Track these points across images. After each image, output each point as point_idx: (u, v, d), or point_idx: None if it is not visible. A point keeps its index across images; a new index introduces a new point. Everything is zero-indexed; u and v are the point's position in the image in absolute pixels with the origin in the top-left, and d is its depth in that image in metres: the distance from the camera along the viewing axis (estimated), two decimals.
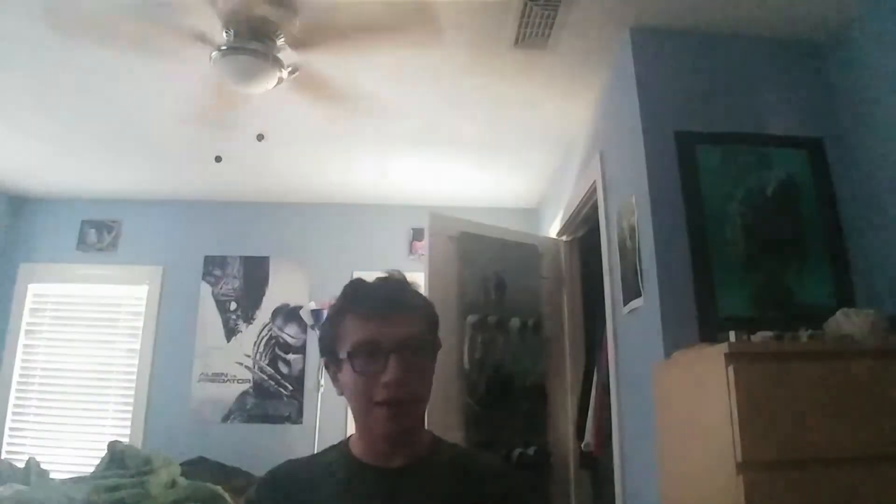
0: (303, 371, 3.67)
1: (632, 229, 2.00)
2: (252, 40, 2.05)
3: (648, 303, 1.87)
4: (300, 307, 3.65)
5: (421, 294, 0.96)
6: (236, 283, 3.81)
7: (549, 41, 2.16)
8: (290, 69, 2.21)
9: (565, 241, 3.18)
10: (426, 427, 0.96)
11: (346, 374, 0.87)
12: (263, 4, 1.99)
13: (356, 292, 0.90)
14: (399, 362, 0.83)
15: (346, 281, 0.96)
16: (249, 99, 2.40)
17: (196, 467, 3.09)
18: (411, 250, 3.86)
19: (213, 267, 3.83)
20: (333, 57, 2.23)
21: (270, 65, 2.10)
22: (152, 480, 2.62)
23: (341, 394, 0.89)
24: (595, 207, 2.49)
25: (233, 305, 3.77)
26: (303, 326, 3.70)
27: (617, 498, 2.07)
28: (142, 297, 3.78)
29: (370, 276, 0.95)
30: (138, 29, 2.12)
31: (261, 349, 3.71)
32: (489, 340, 2.72)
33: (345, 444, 0.94)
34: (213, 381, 3.63)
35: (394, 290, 0.91)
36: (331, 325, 0.91)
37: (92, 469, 2.89)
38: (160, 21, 2.05)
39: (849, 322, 1.41)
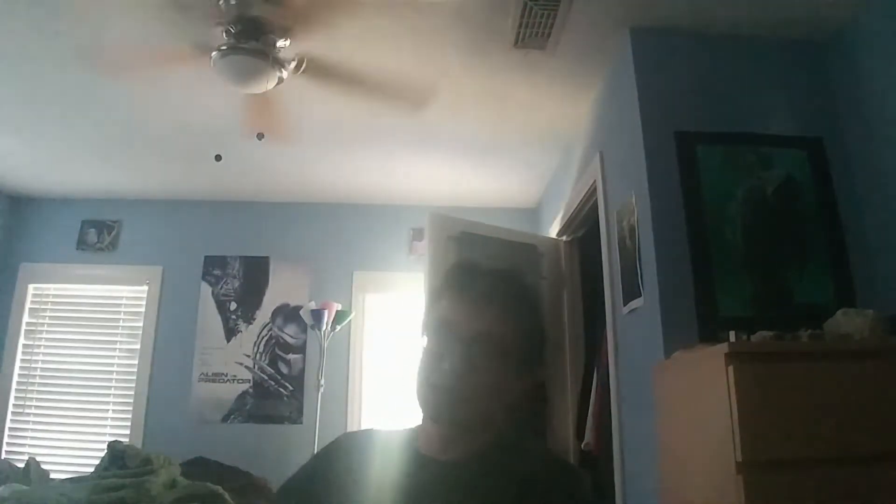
0: (303, 371, 3.67)
1: (631, 229, 2.00)
2: (251, 40, 2.05)
3: (648, 303, 1.87)
4: (300, 307, 3.65)
5: (529, 299, 0.90)
6: (236, 283, 3.81)
7: (548, 42, 2.16)
8: (295, 62, 2.20)
9: (565, 241, 3.18)
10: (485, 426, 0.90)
11: (421, 347, 0.88)
12: (261, 4, 1.99)
13: (461, 272, 0.90)
14: (465, 354, 0.81)
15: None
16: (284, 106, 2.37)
17: (196, 467, 3.09)
18: (411, 250, 3.87)
19: (213, 267, 3.83)
20: (336, 47, 2.20)
21: (270, 64, 2.10)
22: (152, 480, 2.62)
23: (417, 367, 0.88)
24: (595, 207, 2.49)
25: (233, 305, 3.77)
26: (303, 326, 3.70)
27: (617, 498, 2.07)
28: (142, 297, 3.78)
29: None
30: (140, 39, 2.12)
31: (261, 349, 3.71)
32: None
33: (417, 429, 0.93)
34: (213, 381, 3.63)
35: (500, 282, 0.88)
36: (430, 299, 0.92)
37: (92, 469, 2.89)
38: (159, 28, 2.06)
39: (849, 322, 1.41)
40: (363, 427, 0.96)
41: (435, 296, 0.90)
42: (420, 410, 0.87)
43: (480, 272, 0.89)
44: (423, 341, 0.87)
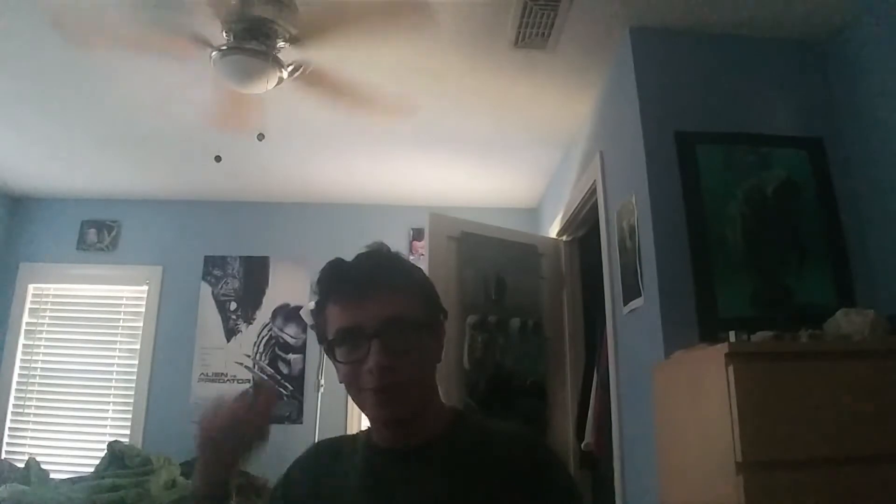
0: (303, 371, 3.67)
1: (632, 229, 2.00)
2: (251, 40, 2.05)
3: (648, 303, 1.87)
4: (300, 307, 3.65)
5: (411, 266, 0.88)
6: (236, 283, 3.81)
7: (548, 41, 2.16)
8: (292, 66, 2.20)
9: (565, 241, 3.18)
10: (443, 403, 0.88)
11: (336, 362, 0.83)
12: (262, 4, 1.99)
13: (333, 274, 0.84)
14: (383, 347, 0.77)
15: None
16: (259, 105, 2.37)
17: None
18: (411, 250, 3.86)
19: (213, 267, 3.83)
20: (335, 54, 2.22)
21: (270, 65, 2.09)
22: (152, 480, 2.62)
23: (342, 381, 0.83)
24: (595, 207, 2.49)
25: (233, 305, 3.77)
26: (303, 326, 3.70)
27: (617, 498, 2.07)
28: (142, 296, 3.78)
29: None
30: (138, 29, 2.12)
31: (261, 349, 3.71)
32: (489, 340, 2.72)
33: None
34: (213, 381, 3.63)
35: (375, 266, 0.84)
36: (317, 313, 0.86)
37: (92, 469, 2.89)
38: (160, 21, 2.06)
39: (849, 322, 1.41)
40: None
41: (321, 308, 0.85)
42: (367, 417, 0.84)
43: (348, 264, 0.85)
44: (334, 354, 0.82)
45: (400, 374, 0.78)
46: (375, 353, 0.77)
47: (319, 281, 0.85)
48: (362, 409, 0.83)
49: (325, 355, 0.86)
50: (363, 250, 0.87)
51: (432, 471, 0.80)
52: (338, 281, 0.83)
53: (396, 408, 0.80)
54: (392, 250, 0.88)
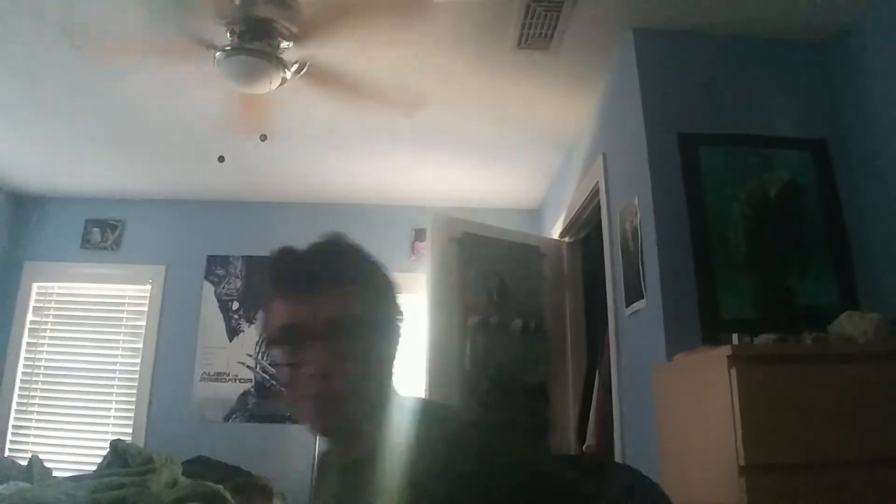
0: None
1: (634, 231, 1.99)
2: (254, 41, 2.05)
3: (650, 304, 1.86)
4: None
5: (368, 261, 0.79)
6: (239, 283, 3.82)
7: (551, 42, 2.15)
8: (297, 65, 2.20)
9: (568, 243, 3.18)
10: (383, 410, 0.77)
11: (274, 362, 0.76)
12: (265, 5, 1.99)
13: (277, 266, 0.76)
14: (323, 350, 0.69)
15: None
16: (267, 107, 2.36)
17: (198, 466, 3.09)
18: (413, 251, 3.87)
19: (215, 266, 3.84)
20: (338, 54, 2.21)
21: (273, 65, 2.10)
22: (154, 479, 2.62)
23: (280, 385, 0.78)
24: (597, 209, 2.48)
25: (235, 305, 3.78)
26: None
27: None
28: (145, 296, 3.79)
29: None
30: (143, 32, 2.13)
31: (263, 349, 3.72)
32: (491, 341, 2.72)
33: None
34: (215, 380, 3.64)
35: (325, 259, 0.75)
36: (263, 305, 0.77)
37: (94, 467, 2.90)
38: (163, 21, 2.06)
39: (853, 325, 1.40)
40: None
41: (267, 300, 0.76)
42: (307, 428, 0.76)
43: (296, 254, 0.76)
44: (273, 355, 0.74)
45: (340, 382, 0.70)
46: (314, 358, 0.69)
47: (269, 268, 0.77)
48: (297, 417, 0.75)
49: (269, 351, 0.78)
50: (318, 240, 0.77)
51: (365, 485, 0.71)
52: (284, 272, 0.75)
53: (329, 420, 0.72)
54: (351, 242, 0.78)
